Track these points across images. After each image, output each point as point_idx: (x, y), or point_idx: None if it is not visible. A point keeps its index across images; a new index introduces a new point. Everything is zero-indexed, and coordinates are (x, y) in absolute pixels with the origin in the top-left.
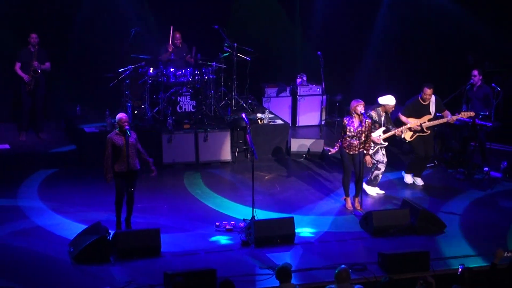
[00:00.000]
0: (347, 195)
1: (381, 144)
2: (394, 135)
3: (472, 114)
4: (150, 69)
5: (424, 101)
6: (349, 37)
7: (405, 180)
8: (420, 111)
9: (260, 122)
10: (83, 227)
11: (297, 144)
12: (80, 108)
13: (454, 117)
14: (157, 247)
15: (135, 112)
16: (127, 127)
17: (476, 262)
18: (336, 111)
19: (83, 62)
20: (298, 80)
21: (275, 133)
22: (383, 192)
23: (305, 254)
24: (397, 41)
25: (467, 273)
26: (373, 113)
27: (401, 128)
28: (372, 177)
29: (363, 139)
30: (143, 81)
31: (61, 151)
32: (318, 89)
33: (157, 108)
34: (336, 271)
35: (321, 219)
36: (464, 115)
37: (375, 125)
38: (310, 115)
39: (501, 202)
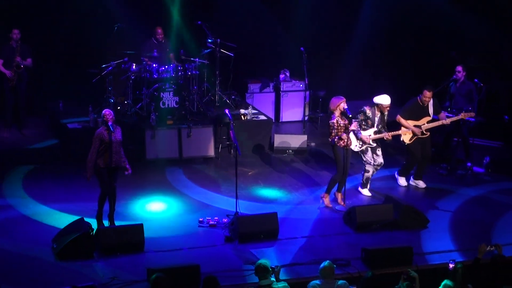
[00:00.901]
0: (328, 192)
1: (370, 144)
2: (383, 139)
3: (473, 114)
4: (133, 65)
5: (423, 104)
6: (333, 33)
7: (398, 183)
8: (419, 113)
9: (243, 118)
10: (65, 223)
11: (281, 140)
12: (63, 104)
13: (454, 118)
14: (141, 242)
15: (118, 108)
16: (109, 123)
17: (459, 257)
18: (319, 107)
19: (66, 58)
20: (281, 76)
21: (258, 129)
22: (370, 194)
23: (288, 250)
24: (381, 37)
25: (461, 269)
26: (367, 109)
27: (392, 133)
28: (364, 180)
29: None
30: (126, 77)
31: (43, 147)
32: (301, 85)
33: (140, 104)
34: (321, 267)
35: (305, 214)
36: (464, 115)
37: (367, 121)
38: (294, 110)
39: (485, 198)
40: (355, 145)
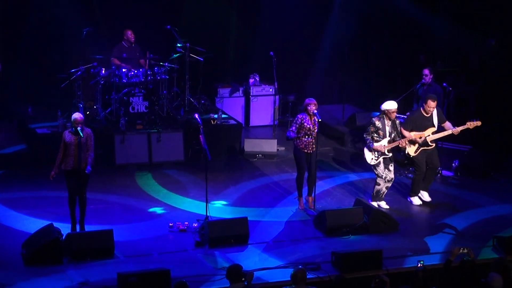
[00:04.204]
0: (300, 195)
1: (385, 154)
2: (398, 146)
3: (479, 123)
4: (102, 70)
5: (427, 113)
6: (302, 37)
7: (413, 203)
8: (423, 123)
9: (213, 123)
10: (35, 228)
11: (250, 144)
12: (32, 108)
13: (459, 128)
14: (111, 248)
15: (87, 113)
16: (79, 128)
17: (429, 261)
18: (289, 111)
19: (34, 63)
20: (251, 80)
21: (228, 134)
22: (387, 207)
23: (259, 254)
24: (350, 40)
25: (421, 272)
26: (376, 121)
27: (406, 139)
28: (374, 193)
29: (315, 136)
30: (95, 81)
31: (12, 152)
32: (271, 89)
33: (109, 109)
34: (292, 272)
35: (275, 219)
36: (470, 125)
37: (378, 132)
38: (263, 115)
39: (454, 201)
40: (371, 158)
